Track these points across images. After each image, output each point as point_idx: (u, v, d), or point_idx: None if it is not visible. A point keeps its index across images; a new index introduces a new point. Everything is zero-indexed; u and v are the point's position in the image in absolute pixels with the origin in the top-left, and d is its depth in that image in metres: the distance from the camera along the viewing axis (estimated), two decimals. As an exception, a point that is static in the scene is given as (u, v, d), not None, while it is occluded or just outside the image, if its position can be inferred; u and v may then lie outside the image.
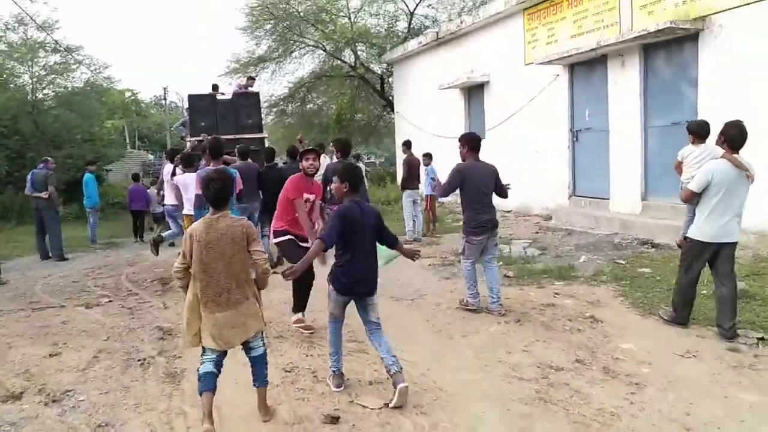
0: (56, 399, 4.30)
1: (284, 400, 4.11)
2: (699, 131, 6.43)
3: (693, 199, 4.91)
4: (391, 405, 3.89)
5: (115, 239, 13.27)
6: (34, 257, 10.75)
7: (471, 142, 6.04)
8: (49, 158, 10.91)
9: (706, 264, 5.01)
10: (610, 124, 9.96)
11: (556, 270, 7.45)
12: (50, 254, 10.54)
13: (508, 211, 13.04)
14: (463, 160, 6.00)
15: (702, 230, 4.86)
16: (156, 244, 8.50)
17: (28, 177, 10.51)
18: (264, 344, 3.89)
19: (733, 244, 4.88)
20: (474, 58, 14.04)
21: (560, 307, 5.99)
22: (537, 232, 10.39)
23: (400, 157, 14.92)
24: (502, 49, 12.95)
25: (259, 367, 3.82)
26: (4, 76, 16.84)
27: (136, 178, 14.73)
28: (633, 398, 3.88)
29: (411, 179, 10.46)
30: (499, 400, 3.95)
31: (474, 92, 14.64)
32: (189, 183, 7.66)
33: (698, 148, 6.39)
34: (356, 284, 4.16)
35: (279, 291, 7.34)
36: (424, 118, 16.40)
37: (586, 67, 10.66)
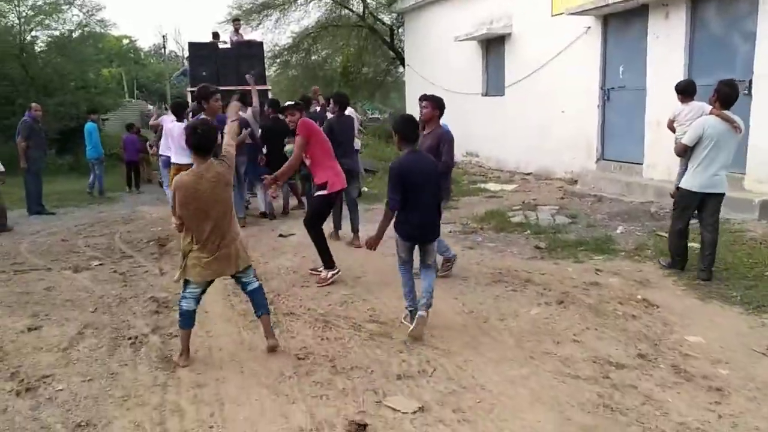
0: (30, 387, 3.66)
1: (298, 397, 3.46)
2: (687, 90, 6.83)
3: (686, 152, 5.33)
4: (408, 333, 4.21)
5: (110, 193, 12.52)
6: (24, 210, 10.03)
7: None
8: (33, 104, 10.03)
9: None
10: (648, 82, 9.11)
11: (593, 242, 6.76)
12: (29, 211, 9.84)
13: (528, 174, 12.30)
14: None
15: (691, 181, 5.28)
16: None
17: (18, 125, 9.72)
18: (257, 278, 4.13)
19: (720, 195, 5.28)
20: (494, 8, 13.04)
21: (606, 286, 5.31)
22: (562, 198, 9.67)
23: (410, 113, 14.10)
24: (528, -3, 11.97)
25: (257, 297, 4.07)
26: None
27: (129, 127, 14.09)
28: (719, 409, 3.22)
29: (428, 137, 9.67)
30: (555, 406, 3.30)
31: (493, 45, 13.68)
32: (174, 131, 7.72)
33: (687, 105, 6.72)
34: (418, 233, 4.44)
35: (286, 257, 6.70)
36: (438, 73, 15.43)
37: (622, 19, 9.74)
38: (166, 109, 12.10)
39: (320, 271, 5.83)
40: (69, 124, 15.54)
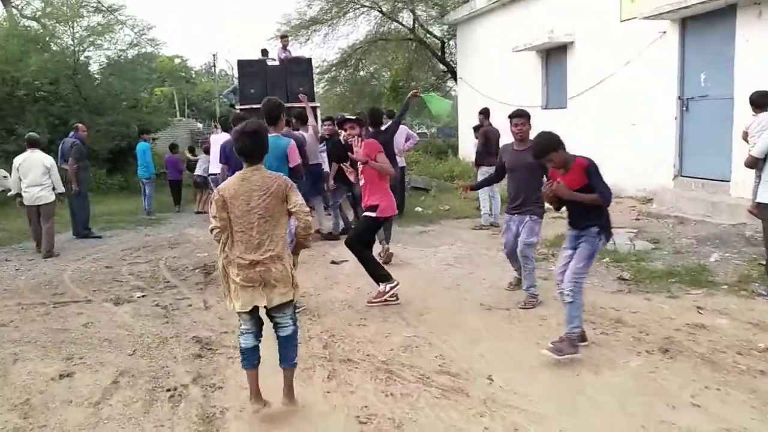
0: (54, 455, 3.17)
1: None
2: (759, 101, 6.58)
3: (757, 164, 5.27)
4: None
5: (158, 213, 12.29)
6: (70, 234, 9.81)
7: None
8: (79, 125, 9.82)
9: None
10: (736, 90, 8.20)
11: (685, 272, 5.95)
12: (75, 234, 9.62)
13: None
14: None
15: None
16: None
17: (60, 146, 9.52)
18: (294, 321, 3.52)
19: None
20: (555, 16, 12.31)
21: (715, 330, 4.52)
22: (637, 219, 8.81)
23: (462, 128, 13.44)
24: (592, 4, 11.20)
25: (287, 345, 3.49)
26: (47, 38, 15.99)
27: (173, 148, 14.20)
28: None
29: (489, 154, 9.01)
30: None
31: (554, 55, 12.93)
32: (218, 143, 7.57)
33: (758, 117, 6.53)
34: None
35: (340, 288, 6.15)
36: (492, 85, 14.77)
37: (703, 22, 8.87)
38: (216, 126, 11.87)
39: (381, 294, 5.46)
40: (120, 143, 15.50)
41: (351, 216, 9.08)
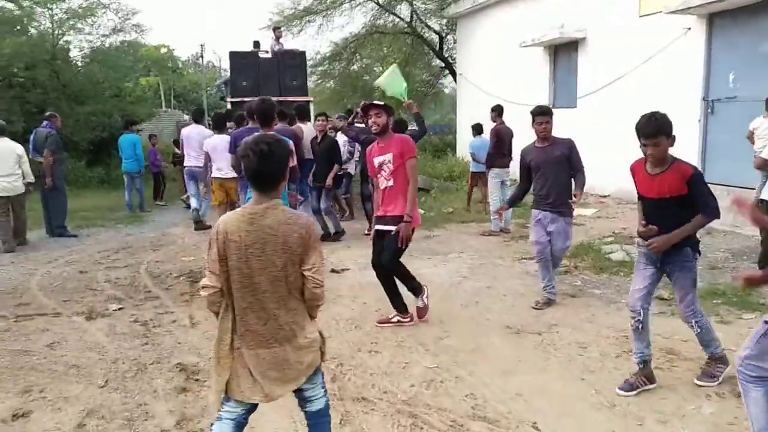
0: None
1: None
2: None
3: (765, 166, 5.66)
4: None
5: (140, 210, 11.51)
6: (43, 231, 9.01)
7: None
8: (51, 113, 8.97)
9: None
10: (770, 92, 7.62)
11: (730, 291, 5.33)
12: (49, 232, 8.83)
13: (605, 196, 10.85)
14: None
15: None
16: (199, 222, 8.89)
17: (31, 136, 8.69)
18: (325, 391, 2.69)
19: None
20: (566, 11, 11.68)
21: (788, 366, 3.90)
22: (659, 228, 8.22)
23: (461, 127, 12.76)
24: (607, -3, 10.59)
25: (318, 425, 2.65)
26: (24, 20, 15.02)
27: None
28: None
29: (501, 155, 8.38)
30: None
31: (562, 51, 12.32)
32: (218, 145, 7.57)
33: (766, 119, 6.73)
34: None
35: (344, 303, 5.46)
36: (495, 82, 14.10)
37: (734, 18, 8.28)
38: (188, 117, 11.20)
39: (392, 321, 4.84)
40: (101, 134, 14.64)
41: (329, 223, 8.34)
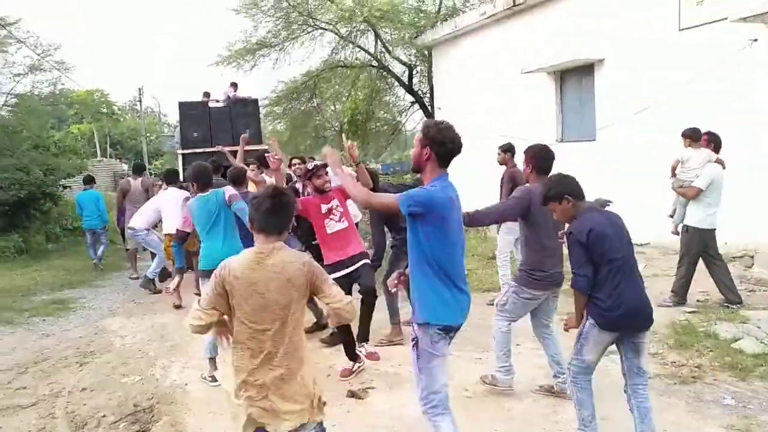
0: None
1: None
2: (694, 136, 6.54)
3: (698, 195, 5.94)
4: None
5: (66, 291, 8.97)
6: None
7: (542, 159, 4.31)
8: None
9: None
10: None
11: None
12: None
13: (643, 244, 9.03)
14: (526, 180, 4.44)
15: (704, 220, 5.94)
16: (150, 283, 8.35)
17: None
18: None
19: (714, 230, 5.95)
20: (574, 30, 10.05)
21: None
22: (751, 289, 6.42)
23: (464, 167, 10.86)
24: (634, 9, 8.97)
25: None
26: None
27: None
28: None
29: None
30: None
31: (571, 77, 10.65)
32: (170, 201, 7.48)
33: (697, 151, 6.47)
34: (632, 315, 3.13)
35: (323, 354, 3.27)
36: (482, 116, 12.25)
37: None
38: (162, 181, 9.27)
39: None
40: (18, 194, 11.99)
41: None
